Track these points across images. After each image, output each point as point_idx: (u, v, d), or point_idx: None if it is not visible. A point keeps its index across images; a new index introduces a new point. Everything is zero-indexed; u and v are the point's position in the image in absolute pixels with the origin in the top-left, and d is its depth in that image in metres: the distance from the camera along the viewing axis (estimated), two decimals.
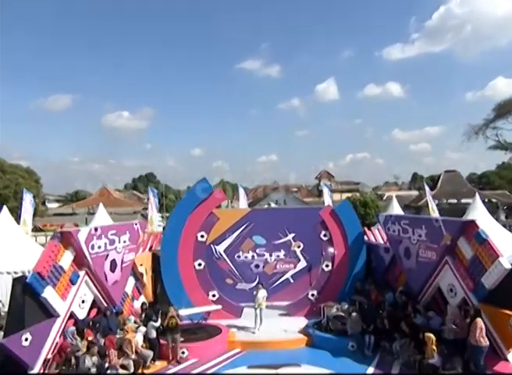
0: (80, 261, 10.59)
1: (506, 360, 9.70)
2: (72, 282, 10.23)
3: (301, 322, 14.54)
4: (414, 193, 63.36)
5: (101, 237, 11.32)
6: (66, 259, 10.07)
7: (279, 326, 14.00)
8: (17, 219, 21.65)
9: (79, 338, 9.30)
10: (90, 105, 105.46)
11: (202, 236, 15.64)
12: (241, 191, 31.03)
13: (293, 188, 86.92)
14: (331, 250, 15.73)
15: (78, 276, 10.46)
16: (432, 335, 9.97)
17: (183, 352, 11.91)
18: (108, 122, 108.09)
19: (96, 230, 11.06)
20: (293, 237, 16.36)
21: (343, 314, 13.03)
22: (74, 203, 65.15)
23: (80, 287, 10.55)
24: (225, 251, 16.16)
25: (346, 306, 13.37)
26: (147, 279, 14.96)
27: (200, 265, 15.50)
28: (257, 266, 16.20)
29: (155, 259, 15.55)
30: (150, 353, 10.93)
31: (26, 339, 8.39)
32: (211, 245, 15.88)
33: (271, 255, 16.25)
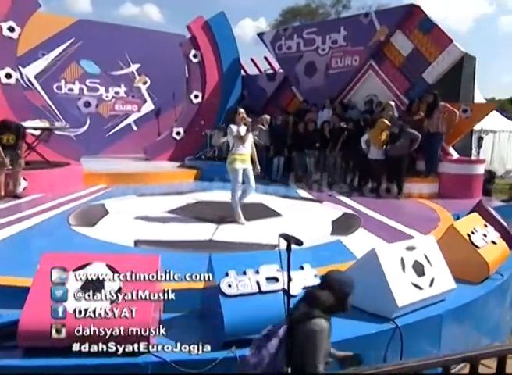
0: None
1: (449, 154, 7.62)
2: None
3: (172, 163, 9.64)
4: None
5: None
6: None
7: (148, 165, 8.91)
8: None
9: None
10: None
11: (11, 29, 8.24)
12: None
13: None
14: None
15: None
16: (385, 120, 6.90)
17: (18, 184, 5.70)
18: None
19: None
20: (136, 69, 10.97)
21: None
22: None
23: None
24: (36, 77, 9.68)
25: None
26: None
27: (9, 76, 8.34)
28: (87, 105, 10.50)
29: None
30: None
31: None
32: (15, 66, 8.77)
33: (107, 91, 10.69)
